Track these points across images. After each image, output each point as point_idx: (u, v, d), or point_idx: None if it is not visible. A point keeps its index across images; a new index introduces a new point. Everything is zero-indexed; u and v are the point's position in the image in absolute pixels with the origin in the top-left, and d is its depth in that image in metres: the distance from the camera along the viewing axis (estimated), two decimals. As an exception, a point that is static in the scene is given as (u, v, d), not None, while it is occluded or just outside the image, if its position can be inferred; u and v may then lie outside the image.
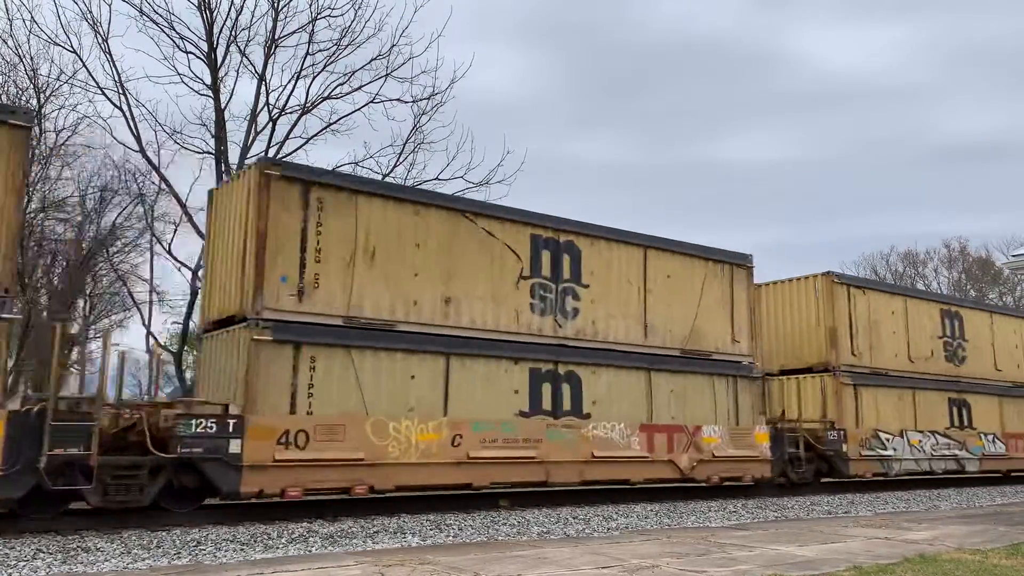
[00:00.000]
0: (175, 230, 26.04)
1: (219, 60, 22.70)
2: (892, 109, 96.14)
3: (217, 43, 22.61)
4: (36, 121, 10.03)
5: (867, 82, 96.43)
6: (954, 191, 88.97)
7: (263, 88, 23.21)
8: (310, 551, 8.90)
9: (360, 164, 23.72)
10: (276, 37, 22.96)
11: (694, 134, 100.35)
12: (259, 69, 23.10)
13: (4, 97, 23.10)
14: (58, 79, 23.34)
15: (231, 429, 11.00)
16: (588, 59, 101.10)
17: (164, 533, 9.79)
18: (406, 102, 23.94)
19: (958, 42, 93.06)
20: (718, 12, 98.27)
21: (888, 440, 19.57)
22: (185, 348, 26.92)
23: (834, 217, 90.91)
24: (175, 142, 22.97)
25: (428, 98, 23.94)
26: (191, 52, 22.68)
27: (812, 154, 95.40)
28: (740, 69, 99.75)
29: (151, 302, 29.77)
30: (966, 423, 21.96)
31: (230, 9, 22.48)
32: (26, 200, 9.88)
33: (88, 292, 32.85)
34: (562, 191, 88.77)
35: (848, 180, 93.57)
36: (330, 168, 18.69)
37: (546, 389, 14.16)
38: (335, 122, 23.89)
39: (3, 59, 23.24)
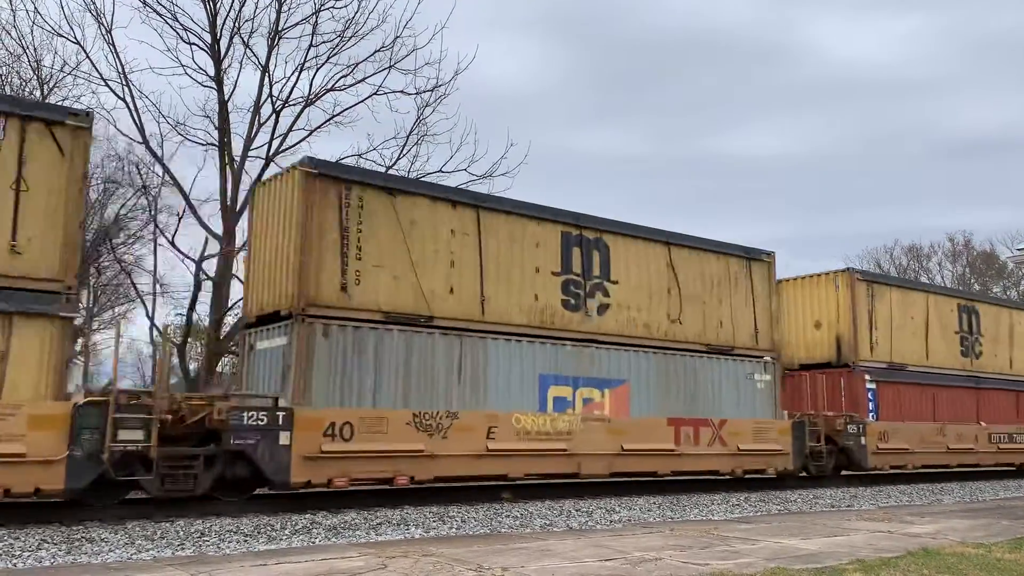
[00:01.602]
0: (179, 222, 25.99)
1: (222, 52, 22.68)
2: (901, 102, 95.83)
3: (220, 34, 22.60)
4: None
5: (877, 75, 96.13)
6: (959, 185, 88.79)
7: (266, 80, 23.21)
8: (314, 543, 8.92)
9: (363, 156, 23.72)
10: (279, 28, 22.93)
11: (705, 127, 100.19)
12: (262, 61, 23.10)
13: (7, 88, 23.10)
14: (61, 70, 23.38)
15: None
16: (602, 51, 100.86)
17: (168, 524, 9.81)
18: (409, 94, 23.91)
19: (971, 35, 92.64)
20: (733, 4, 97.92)
21: None
22: (189, 340, 26.99)
23: (841, 211, 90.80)
24: (178, 134, 22.99)
25: (432, 90, 23.90)
26: (194, 43, 22.70)
27: (820, 148, 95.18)
28: (754, 62, 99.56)
29: (155, 294, 29.76)
30: None
31: (233, 0, 22.46)
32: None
33: (92, 284, 32.83)
34: (573, 184, 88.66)
35: (855, 173, 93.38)
36: (336, 162, 18.58)
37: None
38: (338, 114, 23.89)
39: (7, 50, 23.26)
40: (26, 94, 23.07)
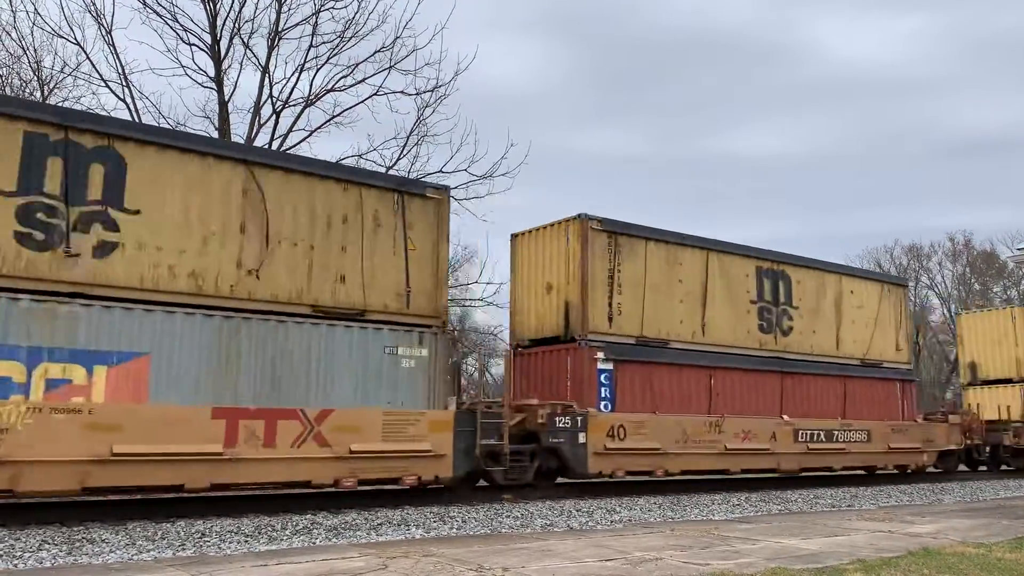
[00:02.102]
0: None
1: (222, 52, 22.70)
2: (902, 102, 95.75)
3: (220, 35, 22.61)
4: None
5: (878, 75, 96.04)
6: (960, 185, 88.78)
7: (266, 80, 23.22)
8: (314, 543, 8.92)
9: (364, 157, 23.72)
10: (279, 29, 22.94)
11: (706, 127, 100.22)
12: (262, 61, 23.09)
13: (8, 89, 23.11)
14: (62, 71, 23.36)
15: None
16: (603, 51, 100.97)
17: (169, 525, 9.82)
18: (409, 94, 23.89)
19: (972, 35, 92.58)
20: (734, 4, 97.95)
21: None
22: None
23: (840, 211, 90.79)
24: (178, 134, 22.89)
25: (432, 90, 23.87)
26: (194, 44, 22.68)
27: (820, 148, 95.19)
28: (755, 62, 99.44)
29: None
30: None
31: (233, 1, 22.47)
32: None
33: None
34: (574, 184, 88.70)
35: (855, 173, 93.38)
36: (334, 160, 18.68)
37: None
38: (338, 114, 23.88)
39: (7, 51, 23.27)
40: (26, 95, 23.08)
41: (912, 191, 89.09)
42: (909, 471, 20.64)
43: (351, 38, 23.33)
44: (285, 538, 9.18)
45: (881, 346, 20.50)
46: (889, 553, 8.18)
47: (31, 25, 26.35)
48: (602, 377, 15.07)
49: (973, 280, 60.35)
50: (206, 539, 8.93)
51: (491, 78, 74.01)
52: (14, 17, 23.02)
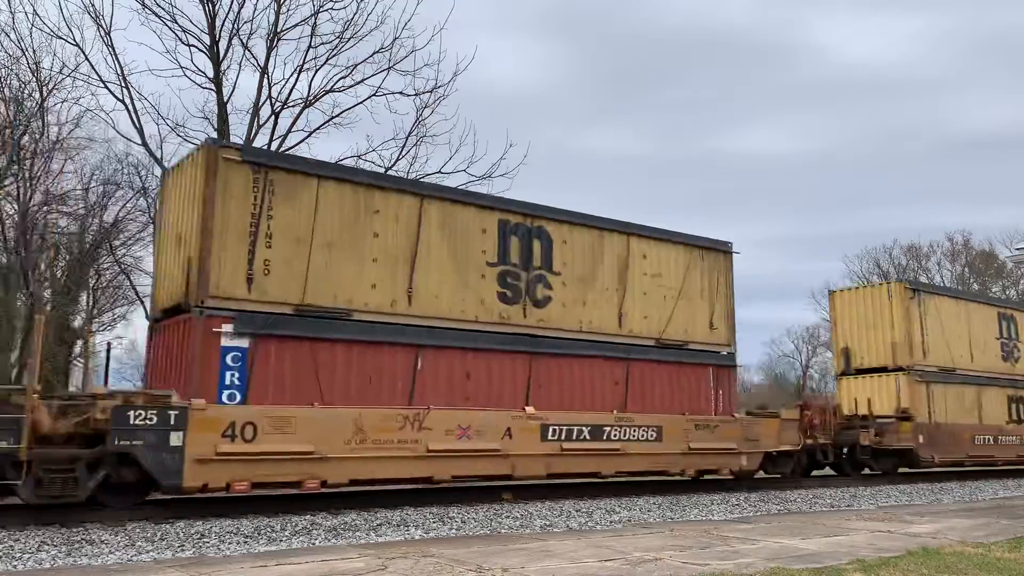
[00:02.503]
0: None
1: (221, 53, 22.68)
2: (903, 102, 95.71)
3: (219, 36, 22.59)
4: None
5: (880, 76, 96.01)
6: (957, 184, 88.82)
7: (265, 81, 23.19)
8: (314, 544, 8.92)
9: (362, 157, 23.71)
10: (278, 30, 22.93)
11: (707, 127, 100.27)
12: (261, 62, 23.08)
13: (7, 90, 23.15)
14: (60, 72, 23.38)
15: None
16: (605, 50, 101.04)
17: (168, 526, 9.82)
18: (408, 95, 23.89)
19: (972, 36, 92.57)
20: (737, 3, 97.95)
21: None
22: None
23: (841, 211, 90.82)
24: (177, 135, 22.96)
25: (431, 91, 23.84)
26: (193, 45, 22.67)
27: (821, 148, 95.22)
28: (757, 62, 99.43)
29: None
30: None
31: (232, 2, 22.46)
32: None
33: (91, 286, 32.93)
34: (575, 183, 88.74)
35: (856, 173, 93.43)
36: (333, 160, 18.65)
37: None
38: (337, 115, 23.86)
39: (6, 52, 23.28)
40: (25, 96, 23.12)
41: (912, 191, 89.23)
42: (729, 476, 16.85)
43: (350, 39, 23.33)
44: (284, 539, 9.18)
45: (687, 324, 16.61)
46: (888, 553, 8.19)
47: (30, 26, 26.34)
48: (228, 358, 11.41)
49: (972, 280, 60.36)
50: (205, 540, 8.93)
51: (491, 78, 74.14)
52: (12, 18, 23.04)
